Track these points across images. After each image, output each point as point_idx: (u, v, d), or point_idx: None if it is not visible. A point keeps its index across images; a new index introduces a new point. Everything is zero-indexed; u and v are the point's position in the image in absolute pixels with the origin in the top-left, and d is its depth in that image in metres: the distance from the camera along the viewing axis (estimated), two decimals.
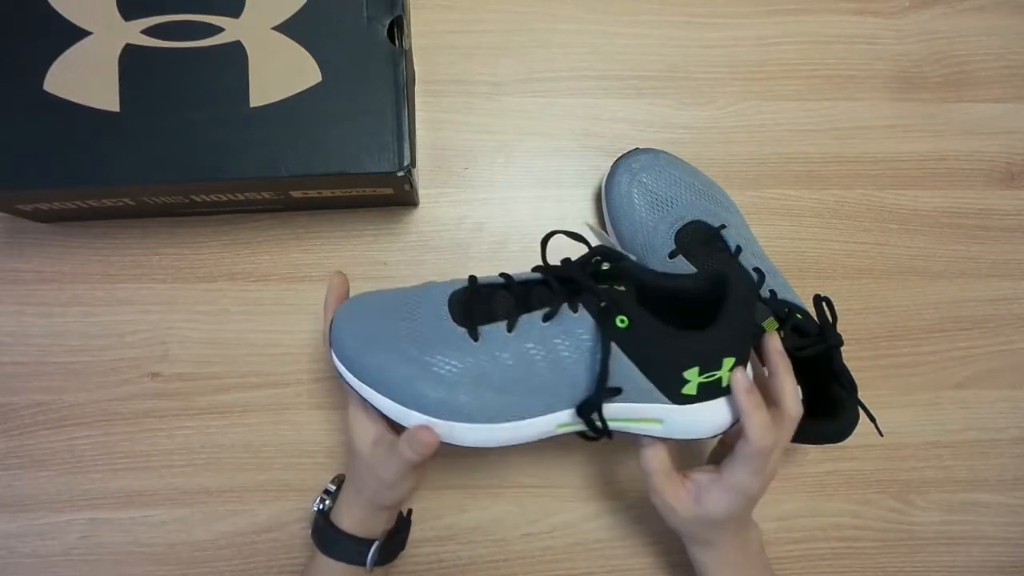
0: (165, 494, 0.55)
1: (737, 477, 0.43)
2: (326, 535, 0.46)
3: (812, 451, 0.58)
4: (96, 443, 0.55)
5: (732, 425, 0.43)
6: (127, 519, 0.55)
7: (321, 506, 0.49)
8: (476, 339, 0.40)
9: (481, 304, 0.42)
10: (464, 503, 0.56)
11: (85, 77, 0.47)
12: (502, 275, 0.44)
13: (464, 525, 0.56)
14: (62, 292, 0.56)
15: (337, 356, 0.42)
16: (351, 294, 0.46)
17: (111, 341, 0.56)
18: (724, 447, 0.47)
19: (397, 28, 0.48)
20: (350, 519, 0.46)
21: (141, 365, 0.56)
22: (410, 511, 0.52)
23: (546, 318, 0.40)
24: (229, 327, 0.56)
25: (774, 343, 0.44)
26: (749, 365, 0.43)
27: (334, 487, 0.50)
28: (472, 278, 0.43)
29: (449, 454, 0.56)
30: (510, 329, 0.40)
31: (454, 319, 0.41)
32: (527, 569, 0.56)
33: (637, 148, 0.56)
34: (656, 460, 0.44)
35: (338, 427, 0.56)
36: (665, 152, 0.55)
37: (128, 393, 0.56)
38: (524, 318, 0.40)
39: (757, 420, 0.41)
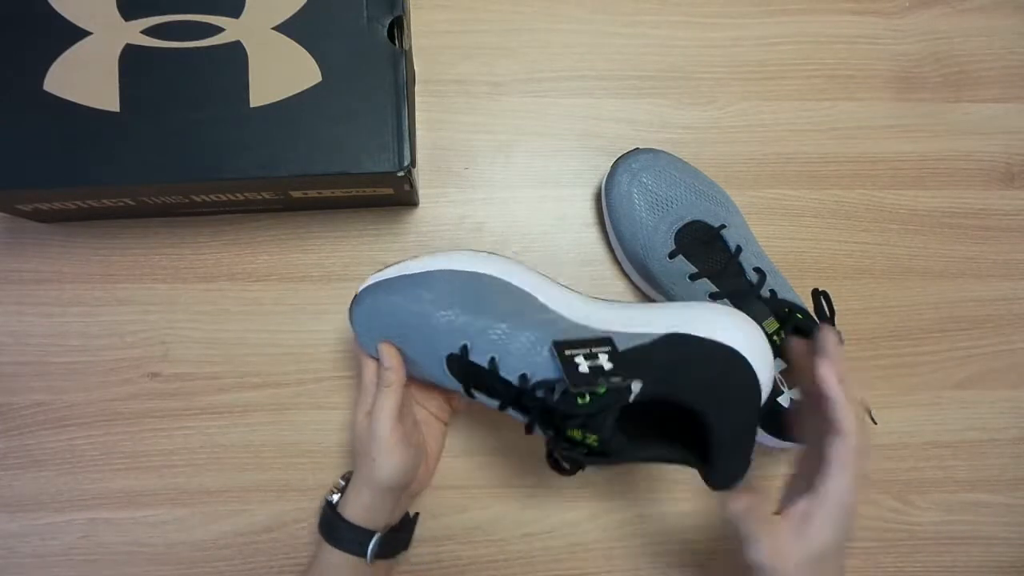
0: (165, 494, 0.55)
1: (837, 487, 0.37)
2: (332, 524, 0.47)
3: None
4: (96, 443, 0.55)
5: None
6: (127, 519, 0.55)
7: (331, 498, 0.50)
8: (471, 397, 0.45)
9: (474, 373, 0.44)
10: (464, 503, 0.56)
11: (85, 77, 0.47)
12: (489, 366, 0.43)
13: (464, 525, 0.56)
14: (62, 292, 0.56)
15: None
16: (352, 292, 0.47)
17: (111, 341, 0.56)
18: (792, 484, 0.43)
19: (397, 28, 0.48)
20: (354, 509, 0.47)
21: (141, 365, 0.56)
22: (416, 514, 0.52)
23: (526, 430, 0.43)
24: (229, 327, 0.56)
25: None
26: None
27: (343, 482, 0.51)
28: (464, 348, 0.44)
29: (448, 454, 0.56)
30: (501, 409, 0.44)
31: (451, 371, 0.45)
32: (527, 569, 0.56)
33: (637, 148, 0.56)
34: (744, 502, 0.40)
35: (338, 427, 0.56)
36: (665, 152, 0.55)
37: (128, 393, 0.56)
38: (511, 410, 0.44)
39: (854, 411, 0.38)
